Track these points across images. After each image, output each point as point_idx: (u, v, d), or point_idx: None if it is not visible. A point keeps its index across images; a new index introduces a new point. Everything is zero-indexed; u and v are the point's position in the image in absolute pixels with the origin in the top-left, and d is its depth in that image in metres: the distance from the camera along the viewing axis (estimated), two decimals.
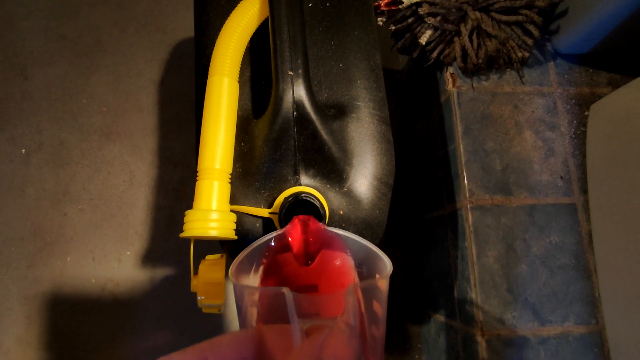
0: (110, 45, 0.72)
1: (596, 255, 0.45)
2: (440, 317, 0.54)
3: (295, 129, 0.29)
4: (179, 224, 0.65)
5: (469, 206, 0.46)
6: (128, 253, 0.63)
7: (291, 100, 0.28)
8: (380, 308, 0.24)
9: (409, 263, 0.64)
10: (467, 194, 0.46)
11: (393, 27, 0.53)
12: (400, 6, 0.51)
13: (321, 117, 0.30)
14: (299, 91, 0.28)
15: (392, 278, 0.64)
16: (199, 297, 0.32)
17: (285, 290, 0.17)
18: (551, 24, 0.51)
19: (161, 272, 0.63)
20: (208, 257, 0.35)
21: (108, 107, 0.69)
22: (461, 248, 0.47)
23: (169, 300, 0.62)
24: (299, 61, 0.28)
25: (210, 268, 0.32)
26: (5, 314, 0.60)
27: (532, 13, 0.47)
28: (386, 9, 0.52)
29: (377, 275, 0.24)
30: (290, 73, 0.28)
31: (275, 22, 0.29)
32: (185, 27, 0.74)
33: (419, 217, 0.62)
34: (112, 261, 0.63)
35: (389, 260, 0.23)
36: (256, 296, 0.23)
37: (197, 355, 0.14)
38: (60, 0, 0.73)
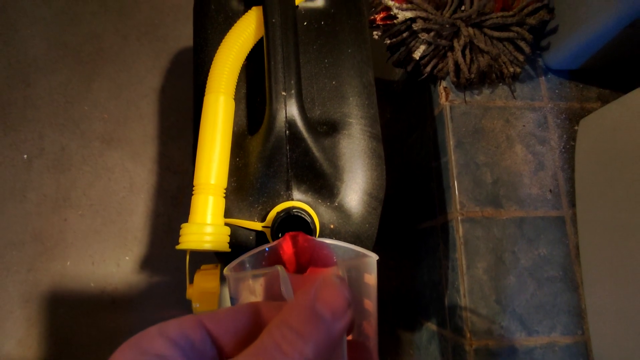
0: (112, 53, 0.74)
1: (582, 268, 0.46)
2: (431, 325, 0.55)
3: (287, 147, 0.30)
4: (177, 230, 0.66)
5: (459, 218, 0.47)
6: (127, 258, 0.65)
7: (284, 119, 0.29)
8: (371, 304, 0.25)
9: (403, 272, 0.65)
10: (458, 206, 0.47)
11: (388, 41, 0.54)
12: (395, 21, 0.52)
13: (313, 135, 0.31)
14: (292, 111, 0.29)
15: (387, 286, 0.65)
16: (194, 305, 0.33)
17: (279, 267, 0.18)
18: (542, 40, 0.52)
19: (159, 277, 0.64)
20: (203, 266, 0.36)
21: (109, 114, 0.71)
22: (452, 259, 0.48)
23: (166, 305, 0.63)
24: (292, 82, 0.30)
25: (205, 278, 0.34)
26: (6, 317, 0.61)
27: (523, 30, 0.48)
28: (381, 23, 0.53)
29: (364, 254, 0.24)
30: (284, 93, 0.29)
31: (269, 44, 0.30)
32: (185, 36, 0.75)
33: (412, 226, 0.63)
34: (111, 266, 0.64)
35: (374, 254, 0.24)
36: (251, 281, 0.23)
37: (194, 321, 0.14)
38: (62, 9, 0.75)
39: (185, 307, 0.63)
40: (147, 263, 0.64)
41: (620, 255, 0.41)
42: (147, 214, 0.66)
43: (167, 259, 0.65)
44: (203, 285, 0.33)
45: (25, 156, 0.68)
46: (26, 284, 0.63)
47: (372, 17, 0.53)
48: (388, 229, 0.65)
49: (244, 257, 0.27)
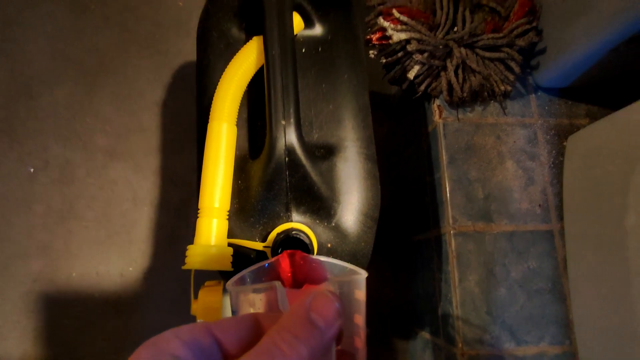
0: (114, 66, 0.75)
1: (570, 280, 0.48)
2: (425, 335, 0.57)
3: (287, 172, 0.32)
4: (180, 241, 0.68)
5: (452, 232, 0.49)
6: (130, 269, 0.66)
7: (283, 147, 0.31)
8: (360, 318, 0.27)
9: (398, 282, 0.67)
10: (451, 221, 0.49)
11: (384, 60, 0.56)
12: (389, 41, 0.54)
13: (311, 161, 0.33)
14: (291, 139, 0.31)
15: (383, 296, 0.66)
16: (198, 320, 0.35)
17: (277, 283, 0.21)
18: (532, 59, 0.54)
19: (162, 288, 0.66)
20: (207, 283, 0.37)
21: (112, 127, 0.72)
22: (445, 271, 0.50)
23: (169, 314, 0.64)
24: (290, 111, 0.31)
25: (209, 294, 0.35)
26: (13, 327, 0.63)
27: (513, 51, 0.50)
28: (377, 43, 0.55)
29: (355, 275, 0.26)
30: (283, 122, 0.31)
31: (269, 75, 0.32)
32: (185, 50, 0.77)
33: (408, 238, 0.65)
34: (115, 276, 0.66)
35: (364, 271, 0.26)
36: (250, 295, 0.25)
37: (203, 327, 0.16)
38: (66, 23, 0.76)
39: (186, 315, 0.65)
40: (151, 274, 0.66)
41: (604, 268, 0.43)
42: (150, 225, 0.68)
43: (170, 270, 0.66)
44: (207, 302, 0.34)
45: (31, 169, 0.69)
46: (32, 294, 0.64)
47: (369, 37, 0.55)
48: (385, 240, 0.67)
49: (245, 272, 0.28)
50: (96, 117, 0.72)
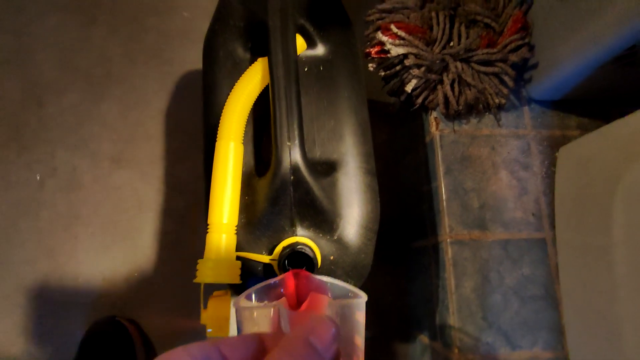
0: (121, 76, 0.77)
1: (561, 287, 0.50)
2: (424, 339, 0.59)
3: (292, 189, 0.34)
4: (185, 248, 0.69)
5: (448, 240, 0.51)
6: (136, 275, 0.68)
7: (289, 166, 0.33)
8: (360, 340, 0.29)
9: (398, 287, 0.69)
10: (447, 230, 0.51)
11: (382, 73, 0.58)
12: (388, 55, 0.56)
13: (314, 178, 0.35)
14: (296, 158, 0.33)
15: (383, 301, 0.68)
16: (207, 330, 0.37)
17: (279, 305, 0.22)
18: (525, 73, 0.56)
19: (167, 293, 0.68)
20: (215, 293, 0.39)
21: (118, 135, 0.74)
22: (442, 278, 0.52)
23: (174, 321, 0.66)
24: (295, 132, 0.33)
25: (218, 304, 0.37)
26: (21, 333, 0.64)
27: (507, 66, 0.52)
28: (376, 56, 0.57)
29: (356, 298, 0.28)
30: (288, 143, 0.33)
31: (274, 97, 0.34)
32: (190, 59, 0.79)
33: (407, 244, 0.67)
34: (120, 282, 0.68)
35: (364, 294, 0.27)
36: (255, 314, 0.27)
37: (212, 344, 0.18)
38: (75, 34, 0.78)
39: (190, 320, 0.67)
40: (156, 279, 0.68)
41: (592, 276, 0.45)
42: (155, 232, 0.70)
43: (175, 276, 0.68)
44: (217, 311, 0.36)
45: (38, 176, 0.71)
46: (40, 300, 0.66)
47: (368, 50, 0.57)
48: (384, 246, 0.69)
49: (252, 290, 0.30)
50: (103, 125, 0.74)
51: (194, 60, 0.79)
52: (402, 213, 0.69)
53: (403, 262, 0.69)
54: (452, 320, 0.49)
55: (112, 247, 0.69)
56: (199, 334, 0.67)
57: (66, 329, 0.65)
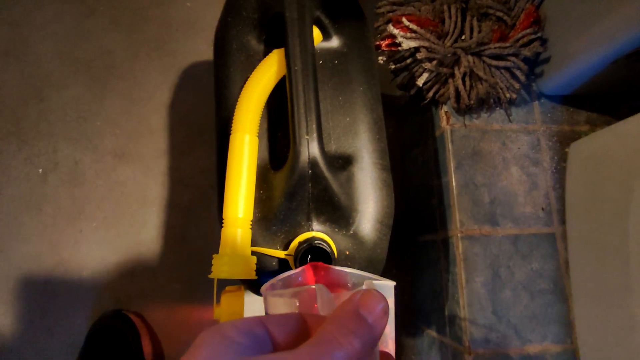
0: (123, 68, 0.76)
1: (571, 282, 0.50)
2: (432, 332, 0.59)
3: (309, 184, 0.33)
4: (190, 242, 0.69)
5: (459, 236, 0.51)
6: (140, 269, 0.67)
7: (307, 161, 0.33)
8: (389, 328, 0.28)
9: (405, 280, 0.69)
10: (458, 225, 0.51)
11: (392, 66, 0.57)
12: (399, 48, 0.55)
13: (332, 173, 0.34)
14: (314, 153, 0.33)
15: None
16: None
17: (318, 285, 0.22)
18: (536, 68, 0.55)
19: (172, 287, 0.67)
20: (228, 288, 0.39)
21: (121, 129, 0.73)
22: (452, 273, 0.52)
23: (178, 314, 0.66)
24: (313, 126, 0.33)
25: (232, 300, 0.37)
26: (26, 327, 0.64)
27: (519, 60, 0.52)
28: (386, 49, 0.56)
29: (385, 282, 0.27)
30: (306, 137, 0.32)
31: (292, 90, 0.34)
32: (194, 51, 0.78)
33: (414, 238, 0.66)
34: (125, 276, 0.67)
35: (391, 280, 0.27)
36: (288, 299, 0.26)
37: (257, 320, 0.18)
38: (74, 25, 0.77)
39: (195, 314, 0.67)
40: (161, 274, 0.67)
41: (604, 271, 0.45)
42: (159, 226, 0.69)
43: (179, 269, 0.68)
44: (230, 306, 0.36)
45: (40, 170, 0.70)
46: (44, 293, 0.66)
47: (378, 43, 0.57)
48: (391, 239, 0.69)
49: (276, 279, 0.30)
50: (105, 119, 0.73)
51: (197, 51, 0.78)
52: (409, 206, 0.69)
53: (410, 255, 0.69)
54: (463, 314, 0.49)
55: (117, 242, 0.68)
56: (205, 326, 0.66)
57: (71, 323, 0.65)
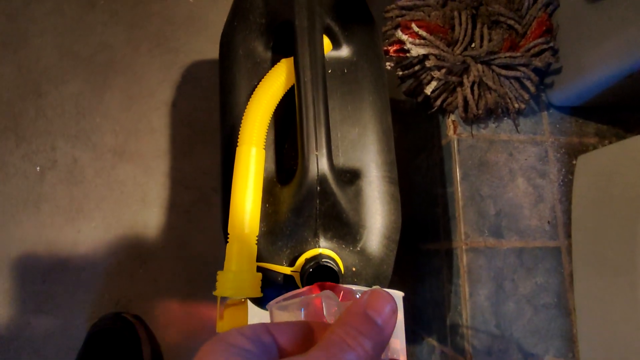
0: (123, 64, 0.74)
1: (575, 296, 0.49)
2: (432, 341, 0.59)
3: (317, 201, 0.33)
4: (189, 244, 0.68)
5: (464, 248, 0.50)
6: (140, 271, 0.67)
7: (315, 177, 0.32)
8: (398, 342, 0.28)
9: (405, 287, 0.69)
10: (463, 237, 0.50)
11: (400, 73, 0.56)
12: (407, 54, 0.54)
13: (341, 189, 0.33)
14: (323, 169, 0.32)
15: None
16: None
17: (323, 293, 0.22)
18: (546, 78, 0.54)
19: (172, 291, 0.66)
20: (230, 301, 0.38)
21: (121, 127, 0.72)
22: (455, 284, 0.52)
23: (178, 318, 0.65)
24: (323, 142, 0.32)
25: (235, 313, 0.36)
26: (23, 328, 0.63)
27: (529, 71, 0.51)
28: (394, 55, 0.55)
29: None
30: (316, 153, 0.32)
31: (301, 103, 0.33)
32: (196, 49, 0.76)
33: (416, 245, 0.66)
34: (125, 278, 0.66)
35: (399, 291, 0.26)
36: (294, 312, 0.26)
37: (263, 327, 0.17)
38: (73, 18, 0.75)
39: (194, 318, 0.66)
40: (161, 276, 0.67)
41: (609, 287, 0.45)
42: (159, 227, 0.68)
43: (180, 272, 0.67)
44: (233, 320, 0.35)
45: (38, 168, 0.69)
46: (41, 294, 0.65)
47: (386, 48, 0.55)
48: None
49: (281, 298, 0.29)
50: (105, 116, 0.72)
51: (200, 49, 0.76)
52: (412, 213, 0.68)
53: (411, 262, 0.68)
54: (465, 327, 0.49)
55: (116, 242, 0.67)
56: (204, 330, 0.66)
57: (69, 324, 0.64)
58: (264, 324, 0.18)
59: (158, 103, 0.73)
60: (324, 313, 0.22)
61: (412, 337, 0.66)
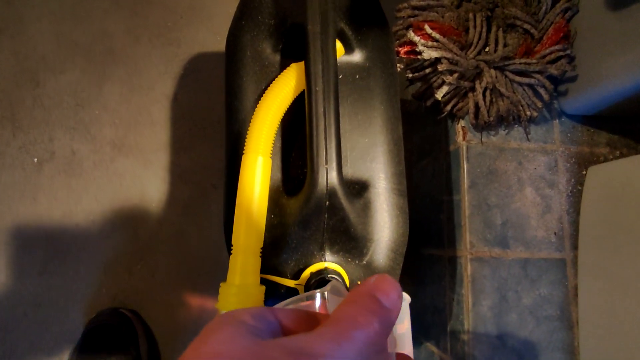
0: (124, 54, 0.72)
1: (579, 309, 0.49)
2: (431, 347, 0.59)
3: (326, 215, 0.32)
4: (188, 239, 0.67)
5: (468, 257, 0.49)
6: (138, 266, 0.66)
7: (325, 191, 0.31)
8: (406, 348, 0.27)
9: (405, 290, 0.68)
10: (468, 246, 0.50)
11: (410, 75, 0.54)
12: (419, 56, 0.52)
13: (350, 203, 0.32)
14: (332, 183, 0.31)
15: None
16: None
17: (324, 290, 0.21)
18: (560, 85, 0.53)
19: (169, 286, 0.66)
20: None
21: (120, 119, 0.70)
22: (458, 293, 0.51)
23: (177, 314, 0.65)
24: (333, 155, 0.31)
25: None
26: (19, 320, 0.63)
27: (544, 78, 0.49)
28: (405, 56, 0.53)
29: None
30: (325, 166, 0.30)
31: (312, 113, 0.31)
32: (198, 41, 0.74)
33: (418, 249, 0.65)
34: (122, 273, 0.65)
35: (406, 294, 0.26)
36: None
37: (268, 308, 0.18)
38: (72, 4, 0.72)
39: (192, 313, 0.66)
40: (158, 271, 0.66)
41: (615, 301, 0.44)
42: (158, 222, 0.67)
43: (177, 268, 0.66)
44: None
45: (35, 159, 0.67)
46: (38, 287, 0.64)
47: (396, 49, 0.54)
48: None
49: (283, 303, 0.28)
50: (104, 107, 0.70)
51: (202, 41, 0.74)
52: (415, 217, 0.67)
53: (412, 265, 0.68)
54: (467, 337, 0.49)
55: (114, 237, 0.66)
56: (201, 326, 0.66)
57: (66, 317, 0.63)
58: (269, 307, 0.18)
59: (158, 95, 0.71)
60: (328, 307, 0.22)
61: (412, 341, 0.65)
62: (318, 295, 0.21)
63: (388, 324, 0.16)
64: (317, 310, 0.22)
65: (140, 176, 0.69)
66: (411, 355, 0.27)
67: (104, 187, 0.68)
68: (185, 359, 0.14)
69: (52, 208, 0.66)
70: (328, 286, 0.21)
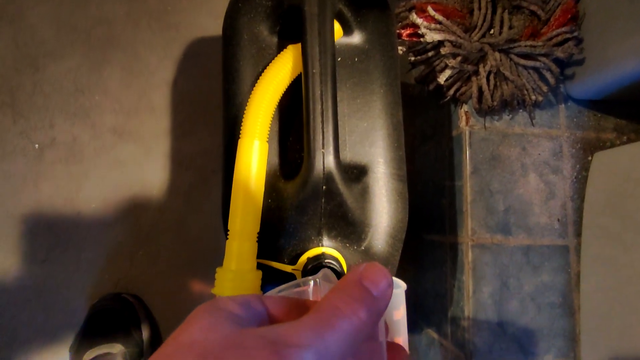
0: (123, 39, 0.71)
1: (581, 296, 0.49)
2: (432, 333, 0.59)
3: (323, 200, 0.31)
4: (189, 227, 0.67)
5: (470, 244, 0.49)
6: (140, 252, 0.66)
7: (322, 176, 0.30)
8: (401, 340, 0.27)
9: (406, 276, 0.68)
10: (470, 232, 0.49)
11: (412, 58, 0.53)
12: (421, 39, 0.51)
13: (348, 187, 0.32)
14: (330, 167, 0.30)
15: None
16: None
17: (316, 278, 0.21)
18: (567, 69, 0.52)
19: (171, 272, 0.66)
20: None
21: (121, 105, 0.70)
22: (458, 279, 0.51)
23: (178, 299, 0.65)
24: (330, 138, 0.30)
25: None
26: (22, 307, 0.63)
27: (550, 62, 0.48)
28: (407, 39, 0.52)
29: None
30: (322, 150, 0.30)
31: (308, 96, 0.30)
32: (199, 25, 0.73)
33: (419, 234, 0.65)
34: (124, 260, 0.66)
35: (402, 282, 0.26)
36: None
37: (255, 296, 0.18)
38: None
39: (194, 301, 0.66)
40: (160, 258, 0.66)
41: (617, 288, 0.44)
42: (159, 209, 0.67)
43: (179, 254, 0.67)
44: None
45: (36, 145, 0.67)
46: (41, 275, 0.65)
47: (398, 31, 0.52)
48: None
49: (278, 289, 0.28)
50: (105, 93, 0.69)
51: (202, 25, 0.73)
52: (416, 202, 0.67)
53: (413, 250, 0.67)
54: (467, 323, 0.48)
55: (115, 224, 0.67)
56: None
57: (68, 303, 0.64)
58: (256, 295, 0.18)
59: (159, 81, 0.71)
60: (320, 294, 0.22)
61: (412, 326, 0.66)
62: (311, 283, 0.21)
63: (376, 313, 0.16)
64: (311, 298, 0.22)
65: (141, 163, 0.69)
66: (406, 343, 0.27)
67: (105, 174, 0.68)
68: (164, 347, 0.14)
69: (53, 195, 0.67)
70: (320, 273, 0.21)
